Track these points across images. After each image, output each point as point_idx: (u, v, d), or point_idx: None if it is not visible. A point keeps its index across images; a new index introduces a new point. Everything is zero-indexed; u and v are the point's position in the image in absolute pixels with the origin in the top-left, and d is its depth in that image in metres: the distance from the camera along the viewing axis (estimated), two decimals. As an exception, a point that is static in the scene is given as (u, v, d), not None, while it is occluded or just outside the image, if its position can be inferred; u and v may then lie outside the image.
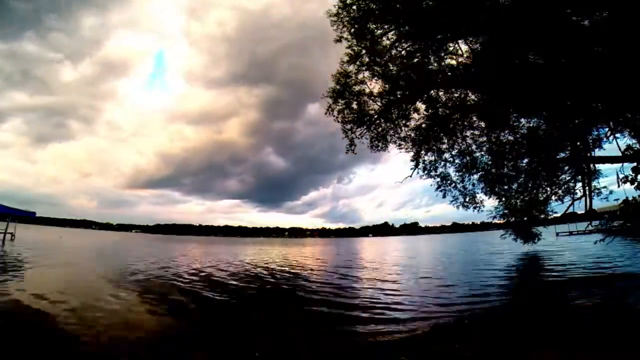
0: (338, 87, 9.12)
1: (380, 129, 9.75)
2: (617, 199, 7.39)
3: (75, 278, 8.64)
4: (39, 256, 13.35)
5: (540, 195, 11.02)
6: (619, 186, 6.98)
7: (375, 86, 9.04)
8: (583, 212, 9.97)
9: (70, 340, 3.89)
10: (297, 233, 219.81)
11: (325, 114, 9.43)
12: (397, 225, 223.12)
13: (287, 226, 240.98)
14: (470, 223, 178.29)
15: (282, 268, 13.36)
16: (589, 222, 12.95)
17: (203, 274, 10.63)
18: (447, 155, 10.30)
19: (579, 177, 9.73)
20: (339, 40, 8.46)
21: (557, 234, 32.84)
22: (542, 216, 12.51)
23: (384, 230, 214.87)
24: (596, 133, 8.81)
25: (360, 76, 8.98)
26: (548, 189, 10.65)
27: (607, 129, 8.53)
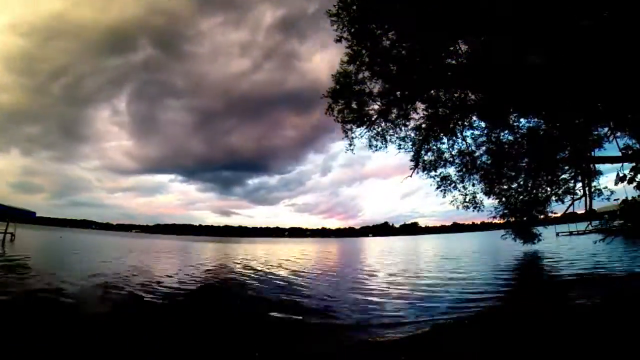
0: (338, 87, 9.13)
1: (380, 128, 9.79)
2: (617, 199, 7.39)
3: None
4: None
5: (540, 195, 11.03)
6: (616, 185, 6.96)
7: (375, 86, 9.05)
8: (583, 212, 9.99)
9: None
10: (297, 233, 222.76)
11: (325, 113, 9.44)
12: (397, 225, 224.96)
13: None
14: (471, 223, 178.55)
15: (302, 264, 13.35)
16: (589, 222, 12.97)
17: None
18: (447, 155, 10.36)
19: (579, 177, 9.74)
20: (339, 40, 8.45)
21: (557, 234, 32.82)
22: (542, 216, 12.50)
23: (384, 230, 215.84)
24: (596, 133, 8.81)
25: (360, 76, 8.98)
26: (548, 189, 10.67)
27: (607, 129, 8.53)
